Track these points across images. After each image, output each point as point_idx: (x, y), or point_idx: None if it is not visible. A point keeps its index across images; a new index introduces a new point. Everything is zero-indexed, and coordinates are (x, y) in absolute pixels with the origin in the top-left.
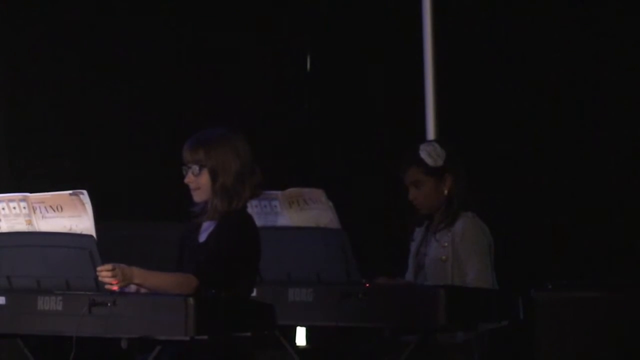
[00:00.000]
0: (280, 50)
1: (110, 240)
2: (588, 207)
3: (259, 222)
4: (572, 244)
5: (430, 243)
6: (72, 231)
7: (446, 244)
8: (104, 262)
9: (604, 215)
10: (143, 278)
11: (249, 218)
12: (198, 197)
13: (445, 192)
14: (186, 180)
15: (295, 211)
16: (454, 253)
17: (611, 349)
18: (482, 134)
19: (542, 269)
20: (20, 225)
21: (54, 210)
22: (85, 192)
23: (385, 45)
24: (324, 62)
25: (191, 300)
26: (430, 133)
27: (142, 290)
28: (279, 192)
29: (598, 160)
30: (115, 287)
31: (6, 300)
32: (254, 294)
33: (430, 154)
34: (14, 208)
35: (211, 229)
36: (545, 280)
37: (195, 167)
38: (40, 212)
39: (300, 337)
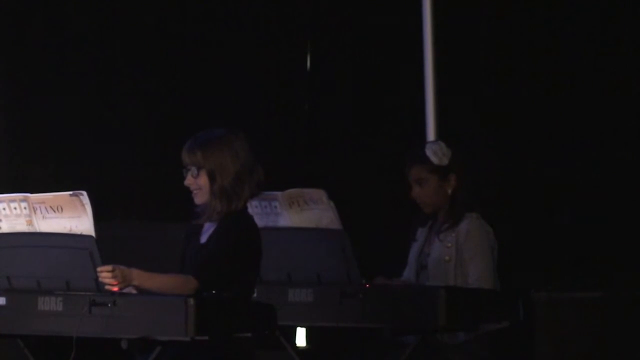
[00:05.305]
0: (280, 50)
1: (110, 240)
2: (588, 207)
3: (259, 222)
4: (572, 245)
5: (433, 243)
6: (72, 232)
7: (450, 245)
8: (104, 263)
9: (604, 216)
10: (142, 279)
11: (250, 218)
12: (198, 198)
13: (449, 191)
14: (185, 183)
15: (296, 212)
16: (458, 254)
17: (611, 349)
18: (482, 134)
19: (542, 270)
20: (20, 226)
21: (54, 211)
22: (85, 192)
23: (385, 45)
24: (324, 62)
25: (191, 301)
26: (431, 133)
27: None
28: (279, 193)
29: (598, 161)
30: (115, 288)
31: (6, 300)
32: (254, 294)
33: (435, 152)
34: (15, 208)
35: (212, 230)
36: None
37: (194, 169)
38: (41, 213)
39: (300, 337)
